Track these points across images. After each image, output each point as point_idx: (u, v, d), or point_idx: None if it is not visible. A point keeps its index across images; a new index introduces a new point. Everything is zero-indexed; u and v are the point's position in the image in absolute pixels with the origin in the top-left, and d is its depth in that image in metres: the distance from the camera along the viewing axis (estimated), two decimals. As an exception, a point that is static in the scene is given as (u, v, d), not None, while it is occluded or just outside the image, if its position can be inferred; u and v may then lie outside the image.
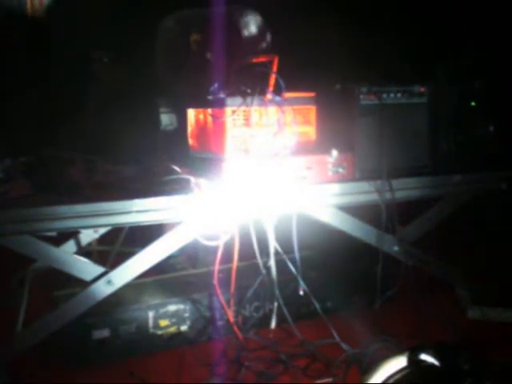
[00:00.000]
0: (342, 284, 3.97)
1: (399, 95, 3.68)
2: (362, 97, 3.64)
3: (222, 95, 3.53)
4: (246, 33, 4.25)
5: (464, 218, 4.07)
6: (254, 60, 3.72)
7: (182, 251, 3.78)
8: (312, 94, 3.69)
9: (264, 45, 4.04)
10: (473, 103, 3.83)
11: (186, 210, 3.29)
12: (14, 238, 3.01)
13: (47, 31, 5.02)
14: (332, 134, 3.69)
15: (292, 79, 3.54)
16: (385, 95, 3.65)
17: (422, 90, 3.71)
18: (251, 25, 4.25)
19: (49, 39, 5.05)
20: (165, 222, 3.35)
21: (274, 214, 3.52)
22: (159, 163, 3.66)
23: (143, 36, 4.60)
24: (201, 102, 3.67)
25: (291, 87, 3.56)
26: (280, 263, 3.60)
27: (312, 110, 3.68)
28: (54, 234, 3.16)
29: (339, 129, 3.71)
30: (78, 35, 4.91)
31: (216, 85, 3.63)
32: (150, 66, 4.34)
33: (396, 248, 3.70)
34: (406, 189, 3.70)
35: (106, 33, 4.85)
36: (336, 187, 3.58)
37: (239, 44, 4.15)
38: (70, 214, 3.07)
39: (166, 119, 4.13)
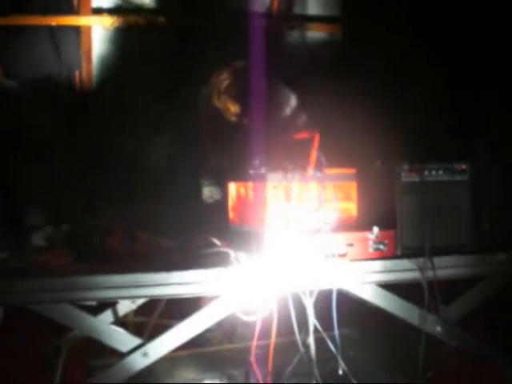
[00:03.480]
0: (383, 364, 3.86)
1: (441, 172, 3.65)
2: (403, 174, 3.63)
3: (263, 170, 3.56)
4: (286, 108, 4.34)
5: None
6: (296, 136, 3.76)
7: (219, 325, 3.73)
8: (353, 171, 3.68)
9: (301, 120, 4.10)
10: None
11: (224, 284, 3.26)
12: (53, 307, 3.01)
13: (94, 104, 5.17)
14: (373, 210, 3.67)
15: (333, 155, 3.56)
16: (426, 172, 3.63)
17: (464, 167, 3.68)
18: (291, 100, 4.35)
19: (94, 112, 5.21)
20: (203, 295, 3.33)
21: (313, 290, 3.47)
22: (199, 235, 3.66)
23: (186, 110, 4.71)
24: (242, 176, 3.70)
25: (332, 163, 3.58)
26: (319, 340, 3.52)
27: (353, 186, 3.67)
28: (92, 303, 3.16)
29: (380, 205, 3.68)
30: (123, 110, 5.05)
31: (257, 159, 3.66)
32: (192, 139, 4.42)
33: (439, 328, 3.60)
34: (448, 267, 3.62)
35: (150, 107, 4.97)
36: (377, 264, 3.52)
37: (280, 119, 4.23)
38: (109, 284, 3.06)
39: (207, 192, 4.16)
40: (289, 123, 4.22)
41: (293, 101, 4.35)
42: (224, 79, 4.29)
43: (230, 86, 4.26)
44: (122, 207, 4.24)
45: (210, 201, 4.14)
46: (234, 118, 4.27)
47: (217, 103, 4.33)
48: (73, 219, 4.05)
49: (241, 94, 4.28)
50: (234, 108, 4.17)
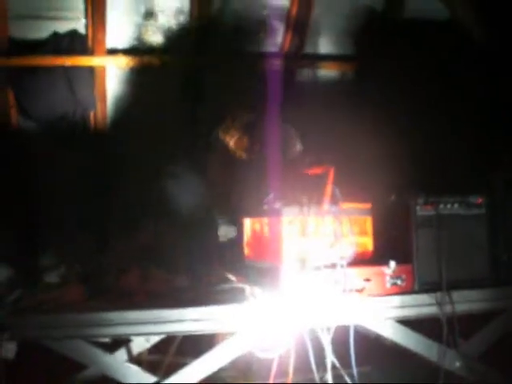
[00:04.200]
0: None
1: (456, 206, 3.63)
2: (418, 208, 3.60)
3: (277, 204, 3.54)
4: (299, 145, 4.37)
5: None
6: (311, 171, 3.76)
7: (234, 362, 3.68)
8: (368, 205, 3.67)
9: (314, 157, 4.12)
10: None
11: (240, 320, 3.23)
12: (67, 343, 2.98)
13: (108, 143, 5.20)
14: (389, 244, 3.64)
15: (348, 189, 3.55)
16: (442, 206, 3.61)
17: (480, 200, 3.66)
18: (297, 143, 4.40)
19: (108, 151, 5.24)
20: (219, 331, 3.29)
21: (330, 327, 3.42)
22: (213, 272, 3.64)
23: (199, 149, 4.74)
24: (257, 212, 3.69)
25: (347, 197, 3.56)
26: (337, 378, 3.45)
27: (368, 221, 3.65)
28: (106, 340, 3.13)
29: (397, 240, 3.65)
30: (137, 148, 5.07)
31: (272, 194, 3.65)
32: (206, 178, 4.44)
33: (458, 363, 3.54)
34: (467, 301, 3.57)
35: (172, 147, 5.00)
36: (395, 299, 3.48)
37: (293, 155, 4.26)
38: (123, 320, 3.04)
39: (222, 228, 4.15)
40: (298, 161, 4.27)
41: (299, 145, 4.42)
42: (235, 120, 4.37)
43: (241, 124, 4.34)
44: (136, 245, 4.24)
45: (225, 238, 4.13)
46: (244, 154, 4.31)
47: (228, 141, 4.38)
48: (87, 257, 4.05)
49: (251, 130, 4.34)
50: (243, 143, 4.21)
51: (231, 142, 4.39)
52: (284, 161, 4.14)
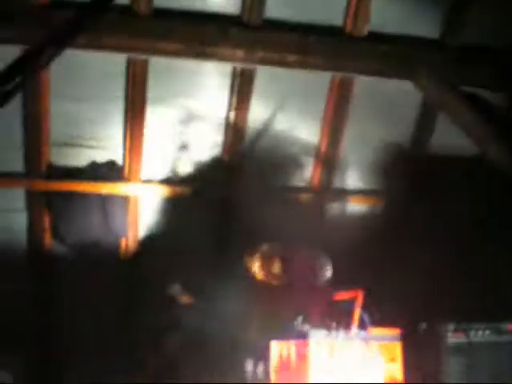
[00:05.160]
0: None
1: (487, 333, 3.58)
2: (449, 335, 3.56)
3: (306, 327, 3.53)
4: (329, 271, 4.41)
5: None
6: (340, 295, 3.76)
7: None
8: (397, 331, 3.64)
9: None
10: None
11: None
12: None
13: (138, 272, 5.27)
14: (419, 373, 3.57)
15: (378, 314, 3.54)
16: (473, 333, 3.56)
17: (511, 327, 3.61)
18: (327, 270, 4.45)
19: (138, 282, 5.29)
20: None
21: None
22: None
23: (229, 277, 4.77)
24: (285, 335, 3.67)
25: (377, 322, 3.54)
26: None
27: (397, 347, 3.60)
28: None
29: (427, 368, 3.58)
30: (168, 278, 5.11)
31: (300, 317, 3.65)
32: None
33: None
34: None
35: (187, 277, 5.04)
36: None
37: (323, 280, 4.28)
38: None
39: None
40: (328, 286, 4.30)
41: (329, 272, 4.46)
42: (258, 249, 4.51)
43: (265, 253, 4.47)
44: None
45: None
46: (275, 281, 4.36)
47: (259, 269, 4.45)
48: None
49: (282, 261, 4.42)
50: (275, 267, 4.27)
51: (256, 269, 4.48)
52: (314, 286, 4.17)
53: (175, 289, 4.67)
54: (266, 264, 4.49)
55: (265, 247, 4.68)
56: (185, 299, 4.72)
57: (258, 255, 4.57)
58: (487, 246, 4.79)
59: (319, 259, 4.60)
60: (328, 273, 4.42)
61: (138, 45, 4.55)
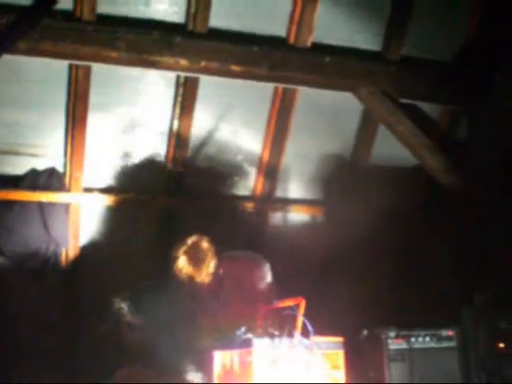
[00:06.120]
0: None
1: (428, 339, 3.65)
2: (390, 341, 3.62)
3: (249, 336, 3.54)
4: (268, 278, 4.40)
5: None
6: (282, 303, 3.78)
7: None
8: (340, 339, 3.67)
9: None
10: (501, 345, 3.78)
11: None
12: None
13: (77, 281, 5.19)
14: (363, 379, 3.61)
15: (319, 323, 3.56)
16: (413, 339, 3.63)
17: (450, 333, 3.70)
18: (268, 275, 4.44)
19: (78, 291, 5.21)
20: None
21: None
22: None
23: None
24: (228, 345, 3.66)
25: (319, 331, 3.56)
26: None
27: (340, 355, 3.63)
28: None
29: (369, 374, 3.63)
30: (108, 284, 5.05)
31: (243, 328, 3.65)
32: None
33: None
34: None
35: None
36: None
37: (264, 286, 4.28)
38: None
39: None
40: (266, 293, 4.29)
41: (269, 276, 4.45)
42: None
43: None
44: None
45: None
46: (206, 277, 4.26)
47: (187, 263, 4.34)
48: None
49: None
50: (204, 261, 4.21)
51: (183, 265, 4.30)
52: (254, 293, 4.17)
53: (121, 308, 4.58)
54: (193, 256, 4.29)
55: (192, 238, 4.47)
56: (129, 318, 4.63)
57: (184, 248, 4.35)
58: (428, 254, 4.91)
59: (256, 260, 4.55)
60: (267, 275, 4.39)
61: (81, 51, 4.49)
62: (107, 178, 5.24)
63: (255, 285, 4.30)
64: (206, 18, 4.72)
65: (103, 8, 4.50)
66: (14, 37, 4.16)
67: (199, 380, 4.15)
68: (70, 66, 4.68)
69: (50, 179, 4.98)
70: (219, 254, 4.38)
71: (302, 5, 4.84)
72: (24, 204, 4.93)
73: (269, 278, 4.34)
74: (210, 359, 3.85)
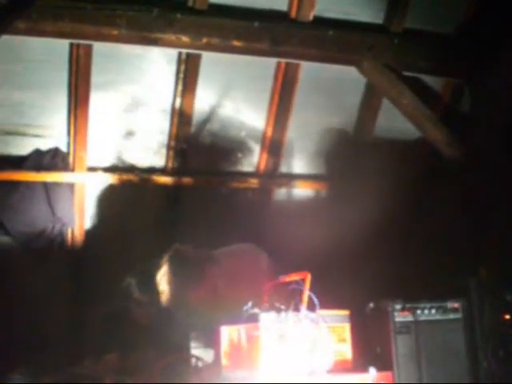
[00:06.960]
0: None
1: (433, 311, 3.67)
2: (396, 314, 3.64)
3: (255, 311, 3.55)
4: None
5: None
6: (287, 278, 3.79)
7: None
8: (346, 312, 3.69)
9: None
10: (507, 316, 3.80)
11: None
12: None
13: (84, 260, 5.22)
14: (369, 352, 3.63)
15: (327, 297, 3.58)
16: (419, 311, 3.64)
17: (456, 305, 3.71)
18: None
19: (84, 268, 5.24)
20: None
21: None
22: None
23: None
24: (234, 319, 3.69)
25: (326, 305, 3.58)
26: None
27: (346, 328, 3.66)
28: None
29: (376, 347, 3.65)
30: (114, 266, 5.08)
31: (250, 303, 3.67)
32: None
33: None
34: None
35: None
36: (377, 408, 3.43)
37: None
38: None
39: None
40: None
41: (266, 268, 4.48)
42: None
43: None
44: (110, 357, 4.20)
45: None
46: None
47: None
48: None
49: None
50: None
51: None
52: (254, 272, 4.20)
53: (130, 285, 4.61)
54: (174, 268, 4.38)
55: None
56: (138, 295, 4.66)
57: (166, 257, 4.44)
58: (434, 226, 4.92)
59: (251, 253, 4.60)
60: (264, 267, 4.43)
61: (81, 30, 4.45)
62: (111, 157, 5.24)
63: (253, 279, 4.33)
64: (207, -6, 4.70)
65: (103, -14, 4.48)
66: (8, 17, 4.13)
67: (207, 356, 4.19)
68: (71, 45, 4.66)
69: (54, 159, 4.98)
70: (211, 252, 4.48)
71: (303, -22, 4.82)
72: (29, 184, 4.94)
73: (266, 269, 4.38)
74: (218, 334, 3.88)
